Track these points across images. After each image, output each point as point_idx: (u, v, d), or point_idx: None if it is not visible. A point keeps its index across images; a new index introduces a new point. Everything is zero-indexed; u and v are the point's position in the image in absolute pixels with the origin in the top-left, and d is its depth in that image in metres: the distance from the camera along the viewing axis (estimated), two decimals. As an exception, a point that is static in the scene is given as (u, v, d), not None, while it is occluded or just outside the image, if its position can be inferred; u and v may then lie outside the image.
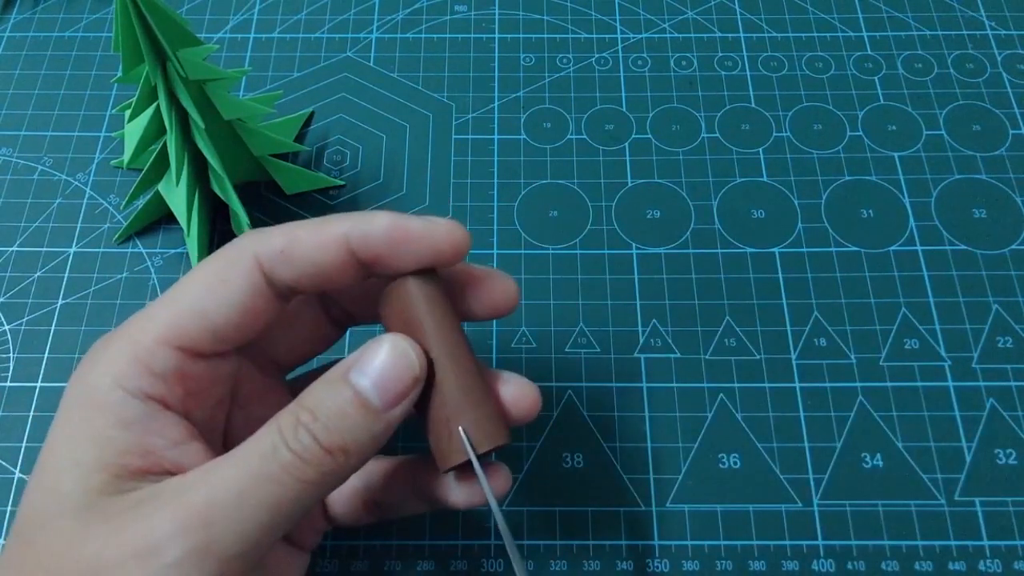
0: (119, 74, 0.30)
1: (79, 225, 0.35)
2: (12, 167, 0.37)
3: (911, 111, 0.38)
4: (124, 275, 0.34)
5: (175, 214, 0.33)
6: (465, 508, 0.23)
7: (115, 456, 0.19)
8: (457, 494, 0.24)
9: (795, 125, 0.37)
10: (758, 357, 0.32)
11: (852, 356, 0.32)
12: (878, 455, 0.30)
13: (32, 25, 0.41)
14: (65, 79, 0.39)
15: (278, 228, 0.21)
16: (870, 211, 0.35)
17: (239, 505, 0.18)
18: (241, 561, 0.18)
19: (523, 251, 0.34)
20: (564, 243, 0.35)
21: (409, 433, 0.30)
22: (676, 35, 0.40)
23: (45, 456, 0.20)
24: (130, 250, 0.35)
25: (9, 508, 0.30)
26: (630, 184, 0.36)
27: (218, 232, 0.35)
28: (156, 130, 0.31)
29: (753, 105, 0.38)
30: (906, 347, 0.32)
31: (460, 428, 0.21)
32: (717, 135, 0.37)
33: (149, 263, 0.34)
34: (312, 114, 0.38)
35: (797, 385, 0.31)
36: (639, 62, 0.39)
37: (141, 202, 0.35)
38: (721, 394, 0.31)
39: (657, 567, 0.28)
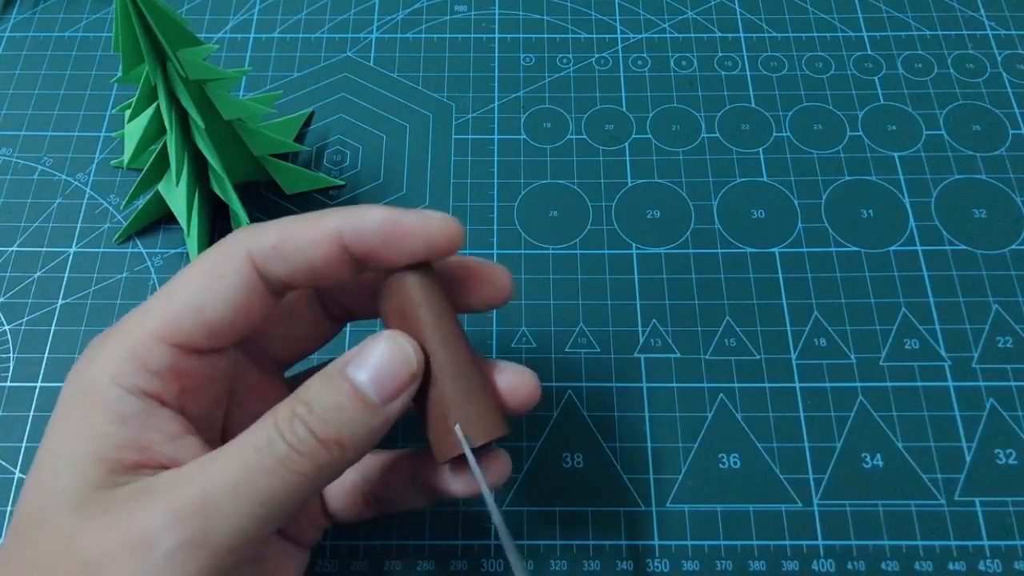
0: (119, 74, 0.30)
1: (79, 225, 0.35)
2: (12, 167, 0.37)
3: (911, 111, 0.38)
4: (124, 275, 0.34)
5: (175, 214, 0.33)
6: (466, 496, 0.24)
7: (111, 451, 0.19)
8: (457, 484, 0.24)
9: (795, 125, 0.37)
10: (758, 357, 0.32)
11: (852, 356, 0.32)
12: (878, 455, 0.30)
13: (32, 25, 0.41)
14: (65, 79, 0.39)
15: (271, 224, 0.21)
16: (870, 211, 0.35)
17: (234, 497, 0.18)
18: (235, 554, 0.18)
19: (523, 251, 0.34)
20: (564, 243, 0.35)
21: (409, 426, 0.30)
22: (676, 35, 0.40)
23: (42, 453, 0.20)
24: (130, 250, 0.35)
25: (9, 508, 0.30)
26: (630, 184, 0.36)
27: (218, 232, 0.35)
28: (156, 130, 0.31)
29: (753, 105, 0.38)
30: (906, 347, 0.32)
31: (456, 423, 0.21)
32: (717, 135, 0.37)
33: (149, 263, 0.34)
34: (312, 114, 0.38)
35: (797, 385, 0.31)
36: (639, 62, 0.39)
37: (141, 202, 0.35)
38: (721, 394, 0.31)
39: (657, 567, 0.28)
